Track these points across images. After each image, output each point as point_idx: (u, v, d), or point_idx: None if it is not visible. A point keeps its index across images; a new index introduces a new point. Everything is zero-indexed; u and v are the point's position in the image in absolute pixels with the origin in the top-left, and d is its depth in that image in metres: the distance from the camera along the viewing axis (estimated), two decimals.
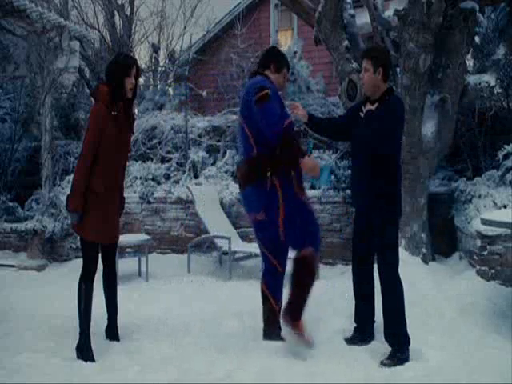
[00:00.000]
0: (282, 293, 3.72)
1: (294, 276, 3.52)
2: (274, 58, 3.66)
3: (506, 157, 5.75)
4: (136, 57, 12.03)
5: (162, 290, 5.44)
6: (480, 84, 6.34)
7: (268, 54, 3.74)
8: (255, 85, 3.47)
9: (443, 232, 6.00)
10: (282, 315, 3.47)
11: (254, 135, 3.47)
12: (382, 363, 3.30)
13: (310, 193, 6.69)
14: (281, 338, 3.60)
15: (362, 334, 3.68)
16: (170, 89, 11.65)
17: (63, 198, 6.19)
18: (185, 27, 13.13)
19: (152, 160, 8.24)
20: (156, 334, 3.84)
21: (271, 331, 3.64)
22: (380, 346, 3.50)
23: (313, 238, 3.55)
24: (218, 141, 8.26)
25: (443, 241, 6.00)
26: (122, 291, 4.05)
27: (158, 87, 11.47)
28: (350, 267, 3.88)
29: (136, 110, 9.64)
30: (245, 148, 3.57)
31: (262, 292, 3.69)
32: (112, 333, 3.76)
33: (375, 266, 3.56)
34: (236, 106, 9.24)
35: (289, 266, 3.70)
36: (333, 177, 6.69)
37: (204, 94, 10.48)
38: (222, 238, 6.07)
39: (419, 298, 4.43)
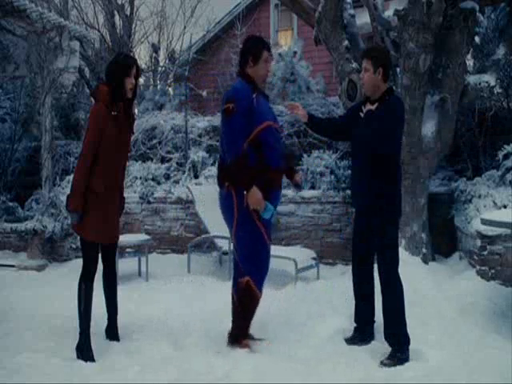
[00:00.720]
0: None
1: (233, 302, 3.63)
2: (250, 50, 3.54)
3: (505, 157, 5.75)
4: (136, 57, 12.03)
5: (162, 290, 5.43)
6: (480, 84, 6.33)
7: (243, 48, 3.61)
8: (226, 94, 3.53)
9: (443, 232, 6.00)
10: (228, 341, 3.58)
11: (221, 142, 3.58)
12: (382, 363, 3.30)
13: (309, 193, 6.71)
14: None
15: (362, 334, 3.68)
16: (169, 89, 11.65)
17: (63, 198, 6.18)
18: (185, 27, 13.16)
19: (152, 160, 8.23)
20: (156, 334, 3.83)
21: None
22: (380, 346, 3.50)
23: (253, 265, 3.51)
24: (218, 141, 8.25)
25: (443, 241, 6.00)
26: (121, 291, 4.05)
27: (158, 87, 11.47)
28: (350, 267, 3.88)
29: (136, 110, 9.64)
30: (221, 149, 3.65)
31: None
32: (112, 333, 3.76)
33: (375, 266, 3.56)
34: None
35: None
36: (333, 177, 6.70)
37: (204, 94, 10.48)
38: (222, 238, 6.06)
39: (419, 298, 4.43)
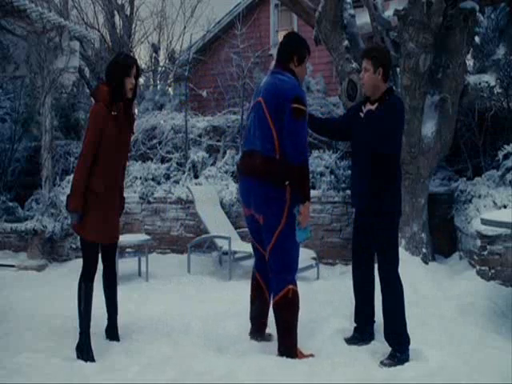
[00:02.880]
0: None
1: (278, 317, 3.38)
2: (297, 50, 3.45)
3: (505, 157, 5.75)
4: (136, 57, 12.04)
5: (162, 290, 5.44)
6: (480, 84, 6.33)
7: (289, 43, 3.48)
8: (293, 89, 3.27)
9: (443, 232, 6.00)
10: (280, 353, 3.37)
11: (277, 131, 3.27)
12: (382, 363, 3.29)
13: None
14: (265, 339, 3.65)
15: (361, 334, 3.67)
16: (169, 89, 11.65)
17: (63, 198, 6.19)
18: (185, 27, 13.22)
19: (152, 160, 8.24)
20: (156, 334, 3.83)
21: (257, 330, 3.66)
22: (380, 345, 3.50)
23: (292, 272, 3.41)
24: (218, 141, 8.26)
25: (443, 241, 6.00)
26: (121, 291, 4.06)
27: (158, 87, 11.48)
28: (350, 267, 3.88)
29: (136, 110, 9.64)
30: (263, 137, 3.32)
31: (253, 286, 3.66)
32: (112, 333, 3.76)
33: (375, 265, 3.56)
34: (236, 106, 9.25)
35: None
36: (333, 177, 6.70)
37: (204, 94, 10.48)
38: (222, 237, 6.07)
39: (419, 298, 4.44)
